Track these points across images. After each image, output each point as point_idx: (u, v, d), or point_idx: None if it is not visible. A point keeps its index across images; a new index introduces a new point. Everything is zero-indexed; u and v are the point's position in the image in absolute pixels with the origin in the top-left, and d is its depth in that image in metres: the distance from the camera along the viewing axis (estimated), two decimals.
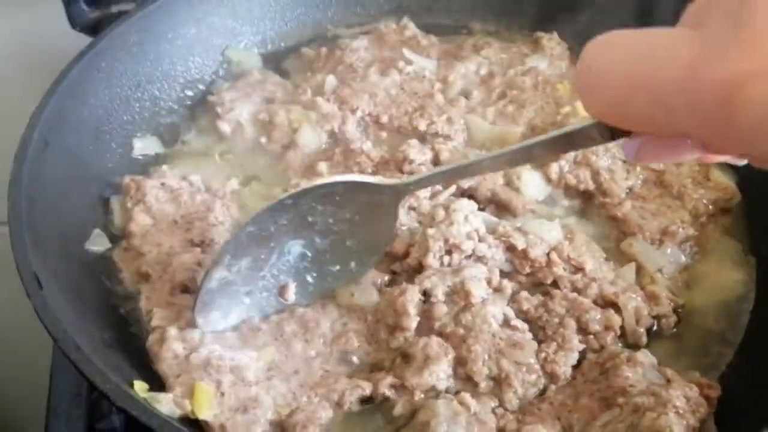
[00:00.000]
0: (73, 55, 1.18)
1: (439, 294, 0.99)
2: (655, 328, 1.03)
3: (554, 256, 1.05)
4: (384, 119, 1.29)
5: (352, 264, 1.01)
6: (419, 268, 1.04)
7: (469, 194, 1.15)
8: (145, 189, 1.16)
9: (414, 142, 1.22)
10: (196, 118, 1.35)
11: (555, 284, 1.05)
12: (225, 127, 1.30)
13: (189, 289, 1.05)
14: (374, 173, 1.19)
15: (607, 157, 1.20)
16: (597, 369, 0.96)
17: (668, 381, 0.91)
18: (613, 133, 0.62)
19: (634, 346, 1.00)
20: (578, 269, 1.06)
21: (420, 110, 1.30)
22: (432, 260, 1.03)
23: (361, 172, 1.19)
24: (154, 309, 1.02)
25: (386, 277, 1.06)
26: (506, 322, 0.99)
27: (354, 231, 0.98)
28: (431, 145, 1.22)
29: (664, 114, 0.51)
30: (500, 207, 1.15)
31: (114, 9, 1.36)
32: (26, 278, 0.91)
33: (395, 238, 1.07)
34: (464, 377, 0.95)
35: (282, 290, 1.01)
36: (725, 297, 1.09)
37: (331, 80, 1.34)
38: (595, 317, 0.99)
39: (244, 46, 1.46)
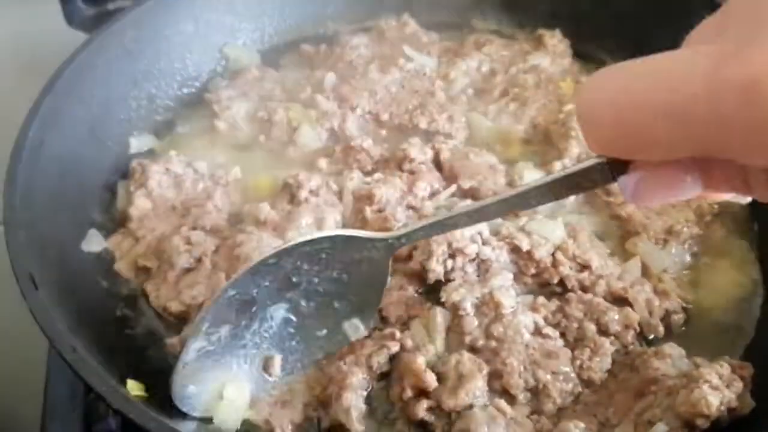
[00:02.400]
0: (69, 52, 1.17)
1: (468, 306, 0.97)
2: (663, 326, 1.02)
3: (559, 255, 1.04)
4: (384, 117, 1.28)
5: (344, 325, 0.95)
6: (423, 273, 1.02)
7: (471, 195, 1.14)
8: (149, 173, 1.16)
9: (415, 140, 1.21)
10: (193, 116, 1.34)
11: (561, 284, 1.04)
12: (222, 125, 1.29)
13: (191, 270, 1.05)
14: (374, 171, 1.18)
15: None
16: (627, 368, 0.95)
17: (697, 366, 0.91)
18: (613, 172, 0.59)
19: (653, 341, 1.00)
20: (584, 267, 1.05)
21: (421, 108, 1.28)
22: (435, 265, 1.01)
23: (361, 169, 1.17)
24: (167, 303, 1.03)
25: (413, 291, 1.03)
26: (537, 330, 0.97)
27: (342, 291, 0.91)
28: (432, 144, 1.21)
29: (682, 129, 0.49)
30: None
31: (110, 6, 1.35)
32: (22, 279, 0.90)
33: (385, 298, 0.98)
34: (500, 390, 0.92)
35: (267, 363, 0.93)
36: (733, 295, 1.08)
37: (330, 78, 1.33)
38: (613, 318, 0.98)
39: (243, 43, 1.44)
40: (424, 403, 0.90)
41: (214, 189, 1.16)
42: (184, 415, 0.90)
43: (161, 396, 0.92)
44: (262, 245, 1.03)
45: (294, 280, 0.88)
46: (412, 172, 1.15)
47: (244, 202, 1.16)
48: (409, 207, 1.11)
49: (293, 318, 0.92)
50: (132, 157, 1.23)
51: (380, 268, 0.90)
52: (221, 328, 0.87)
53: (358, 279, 0.90)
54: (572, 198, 1.18)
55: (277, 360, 0.93)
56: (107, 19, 1.26)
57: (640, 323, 0.99)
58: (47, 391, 1.13)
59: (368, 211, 1.09)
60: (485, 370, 0.92)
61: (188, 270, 1.06)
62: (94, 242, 1.10)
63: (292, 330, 0.93)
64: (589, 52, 1.44)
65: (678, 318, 1.02)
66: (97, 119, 1.21)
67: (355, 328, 0.95)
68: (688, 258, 1.11)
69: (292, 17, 1.48)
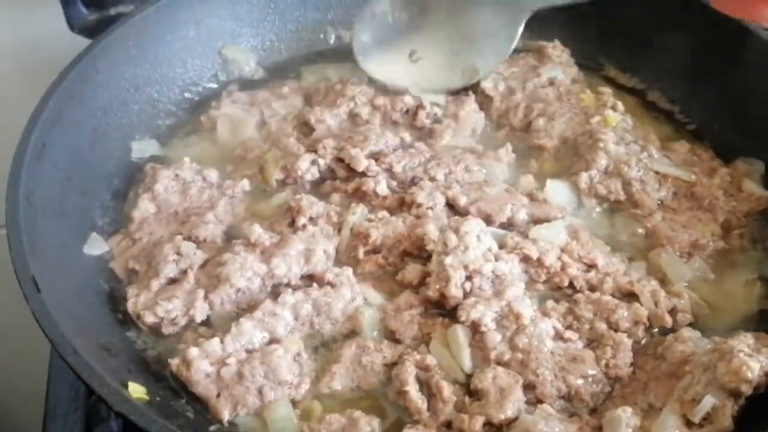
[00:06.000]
0: (72, 57, 1.18)
1: (488, 322, 0.97)
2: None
3: (566, 257, 1.05)
4: (398, 169, 1.19)
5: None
6: (443, 299, 1.01)
7: (509, 226, 1.12)
8: (158, 177, 1.17)
9: (426, 184, 1.16)
10: (195, 121, 1.35)
11: (571, 285, 1.05)
12: (225, 134, 1.29)
13: (174, 280, 1.05)
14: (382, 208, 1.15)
15: (639, 167, 1.18)
16: (650, 358, 0.97)
17: (717, 344, 0.93)
18: None
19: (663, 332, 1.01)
20: (591, 266, 1.06)
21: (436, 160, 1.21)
22: (455, 290, 1.00)
23: (371, 210, 1.14)
24: (142, 312, 1.01)
25: (416, 311, 1.03)
26: (558, 335, 0.98)
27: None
28: (442, 190, 1.15)
29: None
30: (539, 222, 1.13)
31: (112, 11, 1.35)
32: (24, 282, 0.90)
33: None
34: (534, 401, 0.93)
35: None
36: (747, 301, 1.09)
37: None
38: (623, 315, 1.00)
39: (244, 48, 1.45)
40: (479, 420, 0.89)
41: (218, 199, 1.16)
42: None
43: (162, 399, 0.93)
44: (244, 268, 1.02)
45: None
46: (418, 217, 1.12)
47: (248, 218, 1.16)
48: (406, 253, 1.09)
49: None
50: (134, 162, 1.25)
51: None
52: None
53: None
54: (598, 208, 1.18)
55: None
56: (109, 24, 1.27)
57: (648, 317, 1.00)
58: (49, 392, 1.14)
59: (360, 252, 1.08)
60: (521, 381, 0.93)
61: (172, 281, 1.05)
62: (95, 245, 1.11)
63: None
64: (589, 56, 1.44)
65: (684, 317, 1.03)
66: (99, 123, 1.22)
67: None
68: (709, 272, 1.10)
69: (293, 23, 1.49)
